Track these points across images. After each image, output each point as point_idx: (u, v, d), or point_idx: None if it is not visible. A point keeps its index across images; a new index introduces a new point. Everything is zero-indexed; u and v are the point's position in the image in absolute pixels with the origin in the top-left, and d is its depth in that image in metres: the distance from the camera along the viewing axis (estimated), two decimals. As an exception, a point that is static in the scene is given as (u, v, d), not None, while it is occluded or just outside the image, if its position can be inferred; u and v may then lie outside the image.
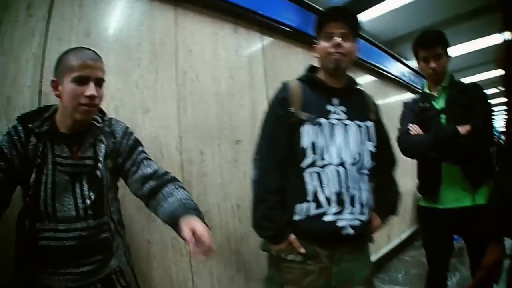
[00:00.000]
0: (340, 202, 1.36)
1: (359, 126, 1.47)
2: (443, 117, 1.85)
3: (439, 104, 1.90)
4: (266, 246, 1.47)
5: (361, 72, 4.10)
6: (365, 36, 4.08)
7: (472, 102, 1.79)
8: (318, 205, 1.35)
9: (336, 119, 1.44)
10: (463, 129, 1.70)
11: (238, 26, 2.46)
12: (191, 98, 2.05)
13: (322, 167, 1.38)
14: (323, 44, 1.45)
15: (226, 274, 2.06)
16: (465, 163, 1.77)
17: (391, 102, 4.69)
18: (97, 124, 1.26)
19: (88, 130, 1.23)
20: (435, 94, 1.92)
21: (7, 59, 1.45)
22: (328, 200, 1.35)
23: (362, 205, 1.40)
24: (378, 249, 3.78)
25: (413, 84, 5.31)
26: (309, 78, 1.53)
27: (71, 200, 1.15)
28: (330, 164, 1.38)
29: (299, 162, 1.39)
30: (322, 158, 1.38)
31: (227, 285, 2.06)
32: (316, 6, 3.18)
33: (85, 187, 1.18)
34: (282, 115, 1.43)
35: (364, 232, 1.44)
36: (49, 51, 1.55)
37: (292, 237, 1.37)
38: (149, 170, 1.30)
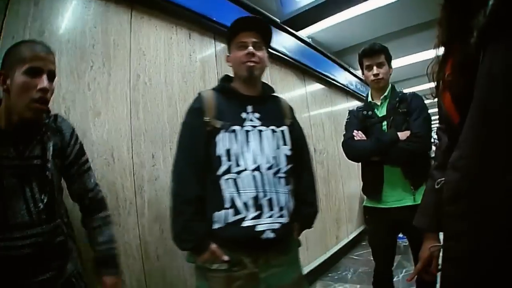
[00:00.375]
0: (258, 206, 1.37)
1: (273, 131, 1.50)
2: (384, 124, 1.99)
3: (381, 112, 2.03)
4: (190, 257, 1.46)
5: (311, 80, 4.25)
6: (315, 46, 4.24)
7: (411, 110, 1.93)
8: (236, 211, 1.35)
9: (251, 125, 1.47)
10: (402, 135, 1.85)
11: (193, 31, 2.48)
12: (143, 101, 2.03)
13: (238, 173, 1.39)
14: (237, 53, 1.51)
15: (179, 278, 2.06)
16: (405, 166, 1.91)
17: (339, 109, 4.90)
18: (43, 119, 1.19)
19: (34, 126, 1.16)
20: (378, 103, 2.06)
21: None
22: (245, 205, 1.36)
23: (280, 208, 1.41)
24: (327, 249, 3.92)
25: (360, 93, 5.58)
26: (223, 87, 1.57)
27: (23, 205, 1.09)
28: (246, 169, 1.39)
29: (216, 170, 1.40)
30: (238, 165, 1.39)
31: (180, 289, 2.06)
32: (268, 14, 3.28)
33: (36, 190, 1.12)
34: (196, 125, 1.45)
35: (286, 235, 1.46)
36: (2, 49, 1.46)
37: (213, 246, 1.36)
38: (89, 184, 1.36)
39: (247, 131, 1.45)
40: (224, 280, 1.37)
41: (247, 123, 1.47)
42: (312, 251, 3.58)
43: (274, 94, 1.67)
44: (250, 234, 1.34)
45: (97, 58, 1.83)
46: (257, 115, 1.50)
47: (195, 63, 2.45)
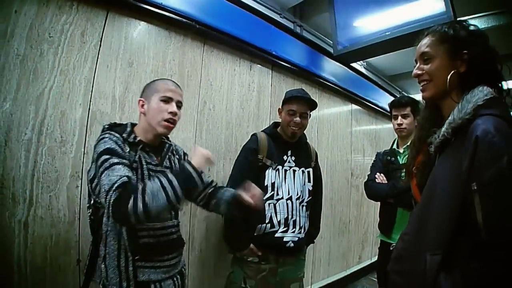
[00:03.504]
0: (286, 224, 1.99)
1: (303, 171, 2.11)
2: (403, 172, 2.27)
3: (403, 159, 2.30)
4: (231, 250, 2.09)
5: (356, 106, 4.46)
6: (366, 74, 4.50)
7: None
8: (272, 225, 1.97)
9: (288, 166, 2.07)
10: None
11: (254, 63, 2.86)
12: (206, 124, 2.45)
13: (277, 200, 2.00)
14: (286, 117, 2.06)
15: (216, 268, 2.48)
16: (416, 210, 2.19)
17: (383, 137, 4.97)
18: (168, 142, 1.59)
19: (163, 145, 1.55)
20: (401, 151, 2.34)
21: (63, 79, 1.74)
22: (279, 222, 1.97)
23: (300, 227, 2.03)
24: (348, 267, 4.16)
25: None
26: (273, 133, 2.13)
27: None
28: (282, 198, 2.01)
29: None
30: (277, 194, 2.00)
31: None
32: (323, 45, 3.59)
33: None
34: (252, 160, 2.01)
35: (300, 246, 2.07)
36: (98, 76, 1.86)
37: (252, 246, 1.96)
38: None
39: (286, 170, 2.05)
40: (254, 269, 1.98)
41: (286, 164, 2.07)
42: (333, 266, 3.86)
43: (306, 141, 2.20)
44: (279, 242, 1.96)
45: (175, 87, 2.26)
46: (293, 158, 2.10)
47: (252, 92, 2.84)
